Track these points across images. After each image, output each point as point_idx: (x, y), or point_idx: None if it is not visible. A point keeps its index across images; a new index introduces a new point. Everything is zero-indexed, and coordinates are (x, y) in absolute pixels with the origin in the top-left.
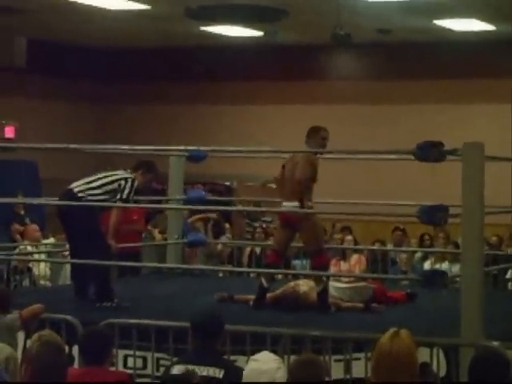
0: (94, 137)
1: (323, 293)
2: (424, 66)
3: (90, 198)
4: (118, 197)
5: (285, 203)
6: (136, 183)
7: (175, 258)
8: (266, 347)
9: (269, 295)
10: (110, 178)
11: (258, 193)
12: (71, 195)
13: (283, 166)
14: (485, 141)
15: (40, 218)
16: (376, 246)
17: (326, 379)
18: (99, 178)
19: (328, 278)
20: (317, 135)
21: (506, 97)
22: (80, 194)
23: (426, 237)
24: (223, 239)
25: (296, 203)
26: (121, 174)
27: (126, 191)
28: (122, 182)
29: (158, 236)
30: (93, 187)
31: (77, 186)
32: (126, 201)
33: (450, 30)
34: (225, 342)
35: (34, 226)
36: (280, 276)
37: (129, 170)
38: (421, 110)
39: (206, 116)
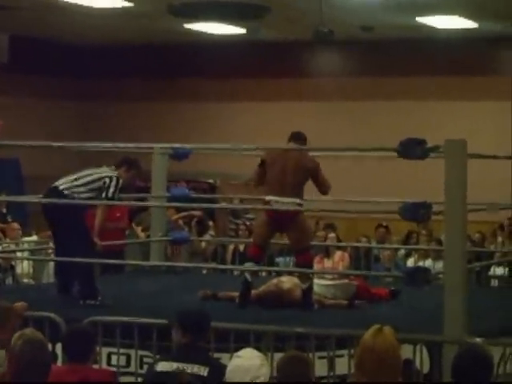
0: (77, 134)
1: (308, 290)
2: (407, 63)
3: (75, 195)
4: (104, 195)
5: (279, 199)
6: (121, 181)
7: (159, 255)
8: (250, 344)
9: (252, 292)
10: (95, 176)
11: (241, 190)
12: (56, 193)
13: (263, 162)
14: (468, 138)
15: (23, 215)
16: (362, 242)
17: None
18: (84, 176)
19: (313, 275)
20: (304, 142)
21: (489, 94)
22: (65, 192)
23: (414, 234)
24: (207, 237)
25: (293, 199)
26: (105, 171)
27: (112, 189)
28: (107, 180)
29: (141, 234)
30: (78, 185)
31: (62, 183)
32: (112, 199)
33: (432, 28)
34: (209, 340)
35: (15, 225)
36: (264, 273)
37: (113, 167)
38: (404, 107)
39: (188, 113)
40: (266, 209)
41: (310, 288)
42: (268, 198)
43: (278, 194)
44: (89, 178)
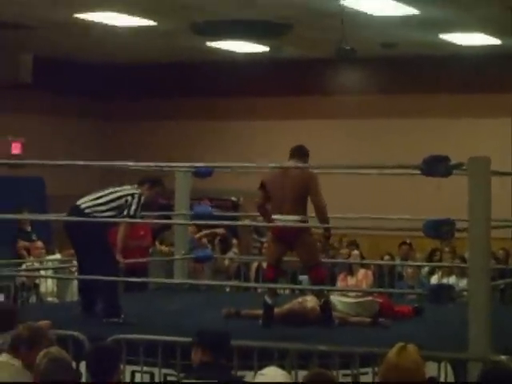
0: (100, 153)
1: (326, 305)
2: (429, 80)
3: (96, 214)
4: (126, 213)
5: (282, 217)
6: (143, 199)
7: (182, 273)
8: (273, 362)
9: (276, 311)
10: (116, 194)
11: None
12: (78, 211)
13: (262, 184)
14: (490, 155)
15: (47, 234)
16: (385, 260)
17: None
18: (106, 194)
19: (329, 291)
20: (306, 157)
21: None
22: (87, 211)
23: (437, 252)
24: (230, 254)
25: (294, 217)
26: (127, 189)
27: (133, 207)
28: (129, 198)
29: (164, 249)
30: (100, 203)
31: (84, 202)
32: (133, 216)
33: (455, 45)
34: (232, 358)
35: (39, 243)
36: (286, 291)
37: (135, 186)
38: (427, 125)
39: (212, 131)
40: (276, 226)
41: (327, 302)
42: (274, 217)
43: (280, 212)
44: (111, 197)
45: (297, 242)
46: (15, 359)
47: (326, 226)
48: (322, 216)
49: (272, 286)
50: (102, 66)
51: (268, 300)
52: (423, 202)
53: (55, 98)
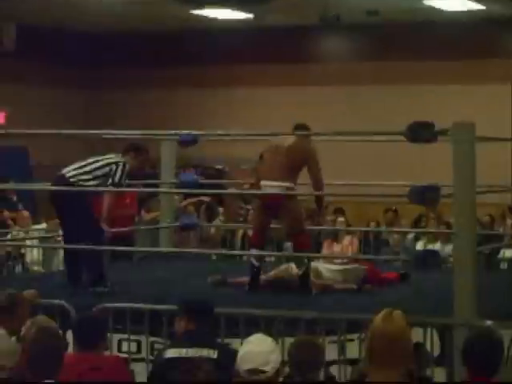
0: (85, 122)
1: (304, 275)
2: (413, 46)
3: (81, 183)
4: (110, 181)
5: (269, 182)
6: (128, 167)
7: (168, 241)
8: (260, 330)
9: (262, 278)
10: (101, 163)
11: (249, 176)
12: (63, 180)
13: (261, 156)
14: (476, 121)
15: (31, 203)
16: (372, 227)
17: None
18: (90, 163)
19: (310, 259)
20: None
21: (496, 77)
22: (72, 180)
23: (423, 218)
24: (216, 222)
25: (283, 183)
26: (112, 158)
27: (118, 175)
28: (114, 167)
29: (149, 216)
30: (84, 172)
31: (68, 171)
32: (119, 185)
33: (439, 10)
34: (219, 325)
35: (25, 213)
36: (273, 258)
37: (120, 154)
38: (411, 91)
39: (195, 100)
40: (262, 194)
41: (306, 271)
42: (262, 182)
43: (268, 177)
44: (95, 165)
45: (282, 208)
46: None
47: (315, 193)
48: (319, 190)
49: (257, 253)
50: (88, 35)
51: (255, 262)
52: (408, 169)
53: (38, 67)
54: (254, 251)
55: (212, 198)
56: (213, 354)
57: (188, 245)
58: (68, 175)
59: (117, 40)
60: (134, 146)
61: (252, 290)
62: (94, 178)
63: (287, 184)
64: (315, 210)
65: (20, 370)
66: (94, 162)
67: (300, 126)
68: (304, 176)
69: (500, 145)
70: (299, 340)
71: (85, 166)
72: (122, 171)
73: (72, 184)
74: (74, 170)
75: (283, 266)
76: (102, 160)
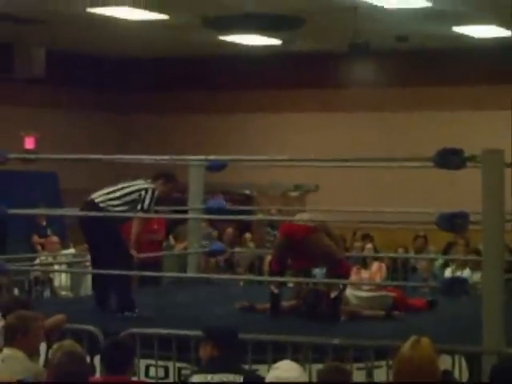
0: (113, 147)
1: (336, 301)
2: (443, 72)
3: (110, 208)
4: (139, 207)
5: (298, 215)
6: (156, 193)
7: (196, 267)
8: (288, 356)
9: (287, 304)
10: (130, 189)
11: (277, 201)
12: (93, 206)
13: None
14: (505, 148)
15: (61, 228)
16: (399, 253)
17: None
18: (120, 189)
19: (344, 287)
20: None
21: None
22: (101, 205)
23: (453, 246)
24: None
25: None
26: (141, 183)
27: (147, 201)
28: (143, 193)
29: (179, 246)
30: (114, 197)
31: (98, 196)
32: (147, 211)
33: (468, 37)
34: (246, 351)
35: (54, 238)
36: (292, 284)
37: (149, 180)
38: (440, 117)
39: (224, 125)
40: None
41: (338, 298)
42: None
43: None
44: (124, 191)
45: (307, 244)
46: (15, 350)
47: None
48: None
49: (283, 279)
50: (115, 60)
51: (274, 290)
52: (437, 195)
53: (68, 92)
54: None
55: (240, 224)
56: (238, 379)
57: (216, 270)
58: (97, 200)
59: (145, 65)
60: (163, 173)
61: (273, 316)
62: (123, 204)
63: (312, 217)
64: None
65: None
66: (123, 188)
67: None
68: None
69: None
70: (328, 366)
71: (114, 191)
72: (151, 197)
73: (101, 209)
74: (104, 195)
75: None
76: (131, 186)
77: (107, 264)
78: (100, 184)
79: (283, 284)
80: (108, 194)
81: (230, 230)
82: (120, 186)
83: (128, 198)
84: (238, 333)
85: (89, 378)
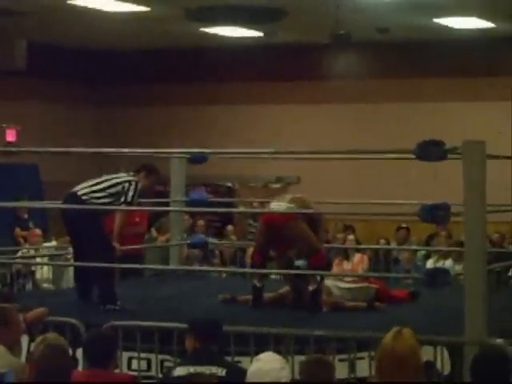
0: (95, 140)
1: (316, 293)
2: (423, 64)
3: (93, 200)
4: (123, 200)
5: (276, 202)
6: (139, 186)
7: (178, 259)
8: (270, 348)
9: (269, 295)
10: (113, 181)
11: (259, 193)
12: (75, 198)
13: None
14: (485, 139)
15: (43, 221)
16: (381, 244)
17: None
18: (102, 181)
19: (322, 278)
20: None
21: (506, 94)
22: (84, 197)
23: (435, 237)
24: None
25: (289, 204)
26: (124, 176)
27: (130, 194)
28: (126, 185)
29: (160, 238)
30: (96, 190)
31: (80, 188)
32: (131, 204)
33: (449, 28)
34: (228, 343)
35: (36, 231)
36: (274, 276)
37: (131, 173)
38: (422, 109)
39: (206, 117)
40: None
41: (318, 290)
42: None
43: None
44: (107, 183)
45: (287, 230)
46: None
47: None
48: None
49: (265, 271)
50: (96, 52)
51: (257, 283)
52: (420, 187)
53: (49, 85)
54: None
55: (222, 216)
56: (221, 371)
57: (197, 262)
58: (80, 193)
59: (127, 57)
60: (146, 166)
61: (256, 308)
62: (106, 196)
63: (293, 205)
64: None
65: None
66: (106, 181)
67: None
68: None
69: (509, 163)
70: (310, 359)
71: (97, 184)
72: (135, 190)
73: (84, 201)
74: (87, 187)
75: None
76: (115, 178)
77: (89, 257)
78: (82, 176)
79: (265, 277)
80: (91, 186)
81: (201, 222)
82: (103, 178)
83: (111, 191)
84: (220, 324)
85: (71, 371)
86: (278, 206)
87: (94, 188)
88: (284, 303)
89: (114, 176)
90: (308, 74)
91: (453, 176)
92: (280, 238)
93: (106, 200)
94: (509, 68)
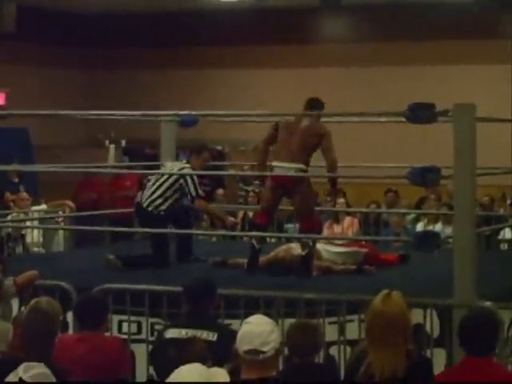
0: (85, 103)
1: (308, 257)
2: (414, 27)
3: (159, 208)
4: (190, 198)
5: (281, 164)
6: (194, 174)
7: None
8: (260, 311)
9: (262, 258)
10: (170, 181)
11: (249, 157)
12: (142, 211)
13: (276, 128)
14: (476, 102)
15: (33, 184)
16: (372, 208)
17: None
18: (161, 184)
19: (314, 242)
20: (322, 109)
21: (498, 57)
22: (149, 209)
23: (425, 200)
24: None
25: (297, 165)
26: (175, 170)
27: (192, 187)
28: (182, 181)
29: None
30: (156, 197)
31: (144, 199)
32: (198, 193)
33: None
34: (219, 306)
35: (24, 194)
36: (273, 239)
37: (183, 161)
38: (411, 72)
39: (196, 81)
40: (270, 175)
41: (310, 255)
42: (273, 163)
43: (283, 159)
44: (165, 185)
45: (294, 190)
46: None
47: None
48: (334, 171)
49: (258, 234)
50: (86, 16)
51: (255, 244)
52: (409, 150)
53: (39, 48)
54: (256, 232)
55: (212, 180)
56: (212, 336)
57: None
58: (145, 205)
59: (120, 20)
60: (194, 150)
61: (250, 271)
62: (167, 199)
63: (300, 165)
64: (329, 190)
65: (13, 353)
66: (163, 183)
67: (311, 102)
68: (316, 158)
69: (500, 126)
70: (297, 323)
71: (155, 191)
72: (193, 179)
73: (150, 213)
74: (148, 197)
75: (283, 247)
76: (168, 179)
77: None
78: (72, 141)
79: (265, 240)
80: (152, 194)
81: None
82: (160, 181)
83: (170, 192)
84: (214, 286)
85: (57, 336)
86: (284, 167)
87: (155, 195)
88: (277, 266)
89: (168, 172)
90: (298, 38)
91: (444, 139)
92: (288, 197)
93: (168, 202)
94: (499, 31)
